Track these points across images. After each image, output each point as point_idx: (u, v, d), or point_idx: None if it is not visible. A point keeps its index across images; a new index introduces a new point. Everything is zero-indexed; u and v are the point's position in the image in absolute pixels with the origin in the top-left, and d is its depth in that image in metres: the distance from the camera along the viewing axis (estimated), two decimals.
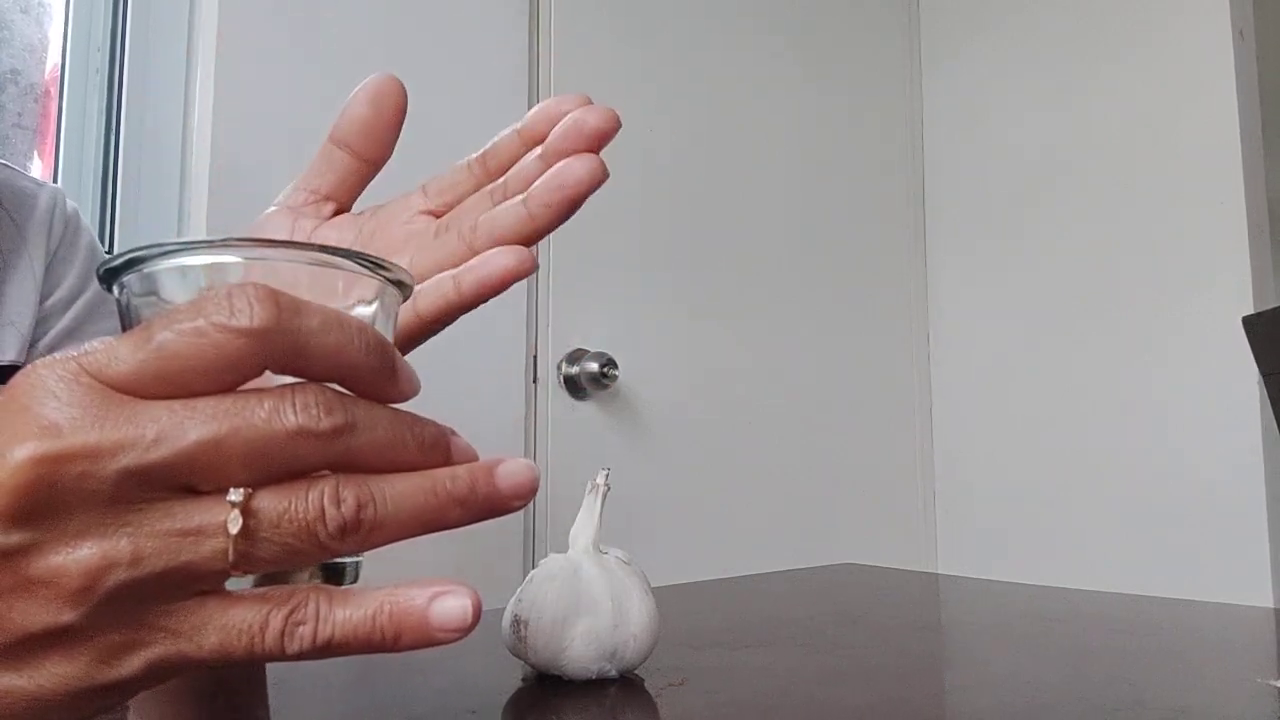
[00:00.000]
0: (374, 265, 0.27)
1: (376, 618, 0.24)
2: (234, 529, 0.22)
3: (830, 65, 1.91)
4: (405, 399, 0.26)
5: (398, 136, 0.40)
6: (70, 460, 0.21)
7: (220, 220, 1.21)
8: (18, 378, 0.22)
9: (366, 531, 0.24)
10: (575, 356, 1.47)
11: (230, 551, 0.22)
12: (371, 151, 0.40)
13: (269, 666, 0.39)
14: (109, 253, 0.99)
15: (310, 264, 0.26)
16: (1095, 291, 1.76)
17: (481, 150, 0.40)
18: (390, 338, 0.29)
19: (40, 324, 0.67)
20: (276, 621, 0.23)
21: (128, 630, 0.23)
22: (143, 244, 0.26)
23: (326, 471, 0.24)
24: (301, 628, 0.24)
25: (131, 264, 0.26)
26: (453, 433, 0.27)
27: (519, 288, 1.49)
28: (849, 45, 1.96)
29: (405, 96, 0.39)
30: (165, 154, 1.24)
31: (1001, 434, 1.88)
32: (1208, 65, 1.64)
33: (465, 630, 0.24)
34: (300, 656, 0.24)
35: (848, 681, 0.37)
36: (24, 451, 0.21)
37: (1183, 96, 1.67)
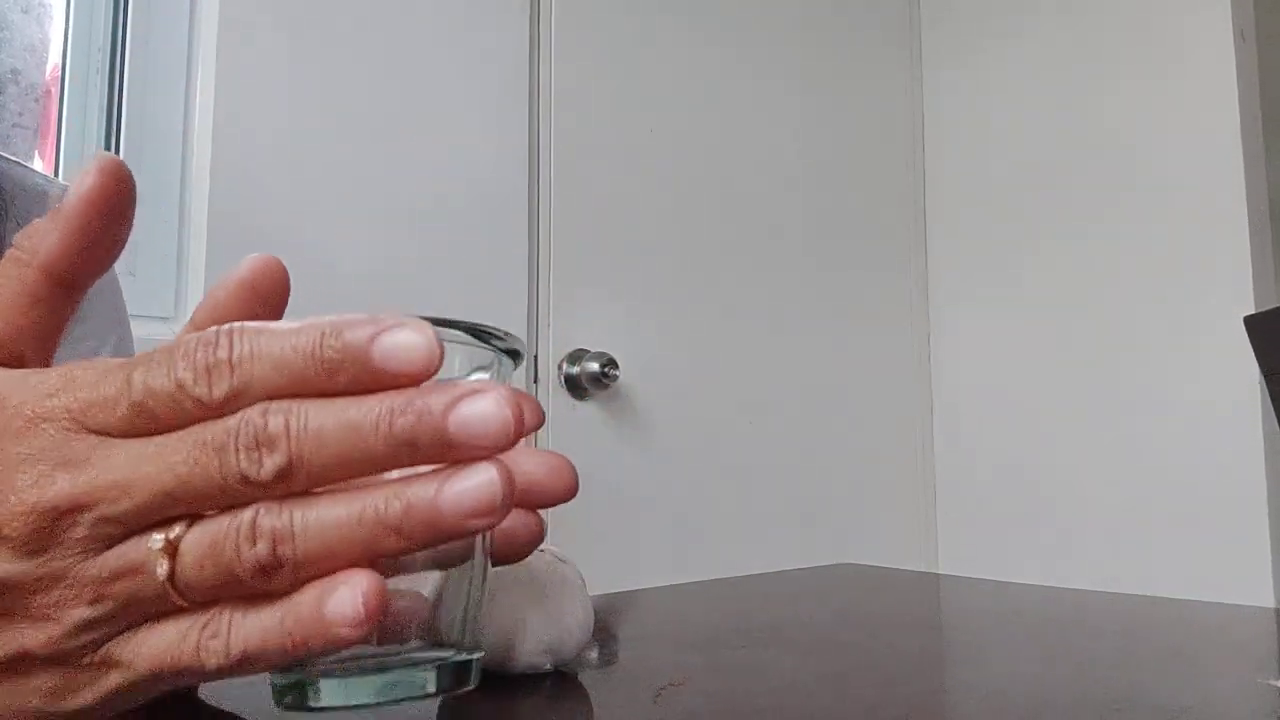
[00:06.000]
0: (486, 335, 0.28)
1: (284, 621, 0.23)
2: (161, 573, 0.23)
3: (831, 66, 1.91)
4: (393, 370, 0.23)
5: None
6: (75, 509, 0.23)
7: (221, 221, 1.21)
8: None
9: (293, 569, 0.23)
10: (576, 356, 1.47)
11: (169, 590, 0.23)
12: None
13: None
14: None
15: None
16: (1096, 292, 1.76)
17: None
18: None
19: (67, 345, 0.64)
20: (192, 636, 0.23)
21: (86, 662, 0.24)
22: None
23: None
24: (214, 640, 0.23)
25: None
26: (475, 392, 0.23)
27: (520, 287, 1.49)
28: (850, 48, 1.96)
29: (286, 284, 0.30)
30: (166, 154, 1.25)
31: (1002, 434, 1.88)
32: (1209, 66, 1.64)
33: (362, 623, 0.22)
34: (221, 671, 0.23)
35: (847, 681, 0.37)
36: (52, 490, 0.23)
37: (1184, 97, 1.67)
